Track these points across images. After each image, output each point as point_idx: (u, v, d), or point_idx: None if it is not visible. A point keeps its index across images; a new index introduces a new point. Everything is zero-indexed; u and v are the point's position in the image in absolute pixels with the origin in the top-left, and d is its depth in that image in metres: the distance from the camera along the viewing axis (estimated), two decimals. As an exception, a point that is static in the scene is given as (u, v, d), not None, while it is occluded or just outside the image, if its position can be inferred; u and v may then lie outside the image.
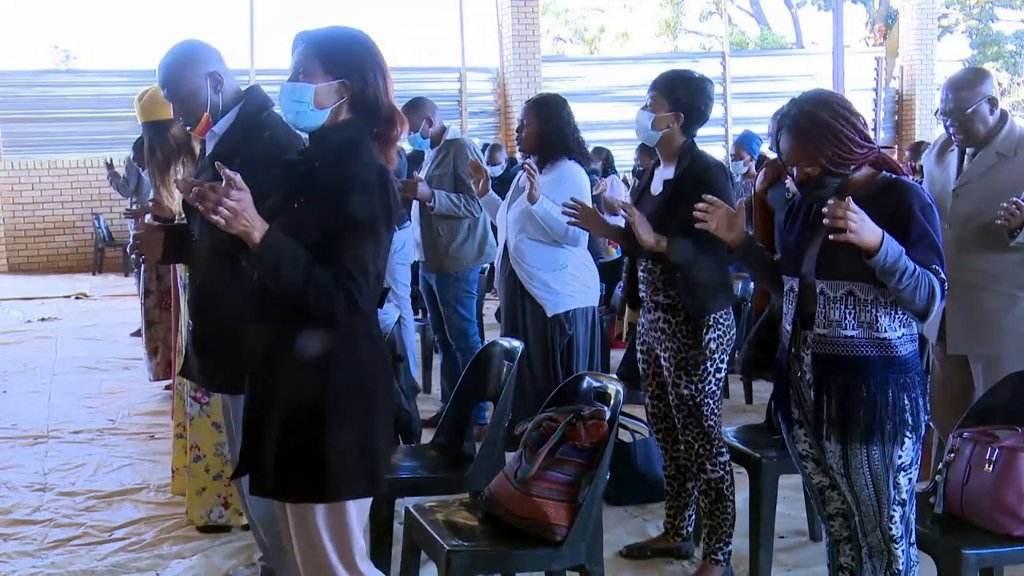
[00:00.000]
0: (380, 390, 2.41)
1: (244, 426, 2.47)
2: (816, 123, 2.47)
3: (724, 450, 3.46)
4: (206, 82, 2.95)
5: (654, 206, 3.46)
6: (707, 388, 3.39)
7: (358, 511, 2.42)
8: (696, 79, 3.46)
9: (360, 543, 2.44)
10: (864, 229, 2.31)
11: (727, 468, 3.46)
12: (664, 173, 3.50)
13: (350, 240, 2.24)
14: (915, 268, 2.37)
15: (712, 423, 3.42)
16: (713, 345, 3.38)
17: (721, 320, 3.40)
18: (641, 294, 3.54)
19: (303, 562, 2.43)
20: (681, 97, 3.39)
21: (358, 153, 2.32)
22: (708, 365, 3.38)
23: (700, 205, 2.79)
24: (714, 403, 3.42)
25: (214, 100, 2.96)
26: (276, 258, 2.19)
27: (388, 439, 2.47)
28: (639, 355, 3.65)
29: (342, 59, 2.35)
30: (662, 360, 3.49)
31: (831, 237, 2.35)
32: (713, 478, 3.44)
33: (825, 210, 2.34)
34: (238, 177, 2.14)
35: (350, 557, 2.40)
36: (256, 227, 2.16)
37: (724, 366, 3.44)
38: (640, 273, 3.53)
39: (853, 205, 2.31)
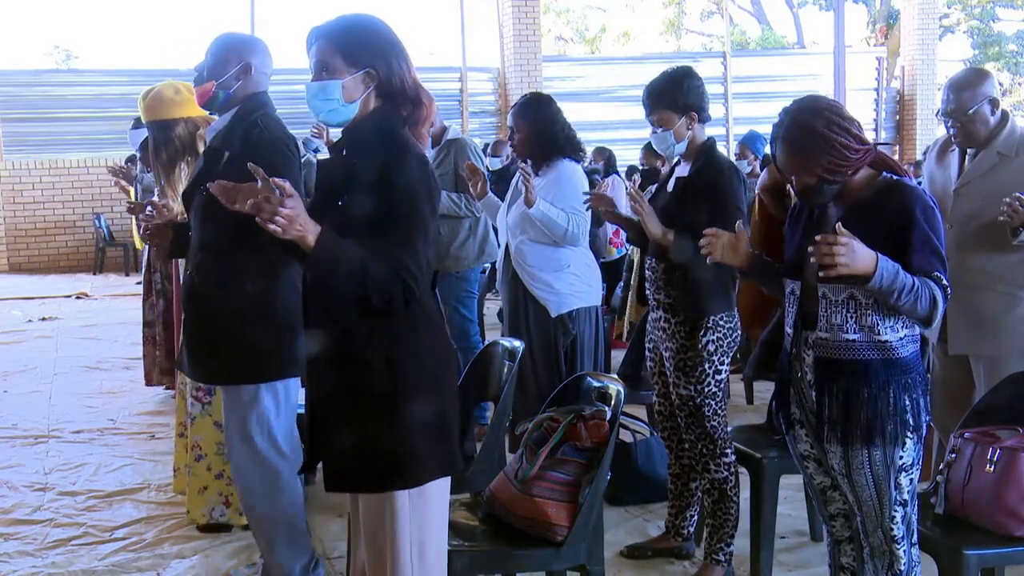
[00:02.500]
0: (444, 370, 2.42)
1: (310, 425, 2.47)
2: (810, 134, 2.46)
3: (729, 451, 3.45)
4: (237, 65, 3.07)
5: (664, 202, 3.46)
6: (707, 390, 3.38)
7: (440, 495, 2.42)
8: (680, 76, 3.40)
9: (443, 532, 2.45)
10: (855, 260, 2.28)
11: (732, 469, 3.46)
12: (681, 171, 3.50)
13: (399, 231, 2.25)
14: (913, 283, 2.35)
15: (716, 423, 3.41)
16: (712, 347, 3.37)
17: (721, 323, 3.38)
18: (647, 292, 3.56)
19: (375, 557, 2.41)
20: (680, 99, 3.37)
21: (393, 143, 2.32)
22: (706, 367, 3.37)
23: (703, 241, 2.76)
24: (716, 404, 3.41)
25: (229, 81, 3.07)
26: (332, 259, 2.19)
27: (457, 417, 2.47)
28: (648, 352, 3.66)
29: (362, 48, 2.34)
30: (664, 359, 3.49)
31: (820, 275, 2.34)
32: (717, 478, 3.44)
33: (811, 249, 2.32)
34: (288, 184, 2.14)
35: (432, 548, 2.40)
36: (309, 231, 2.16)
37: (724, 368, 3.42)
38: (647, 271, 3.54)
39: (841, 237, 2.27)
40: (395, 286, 2.23)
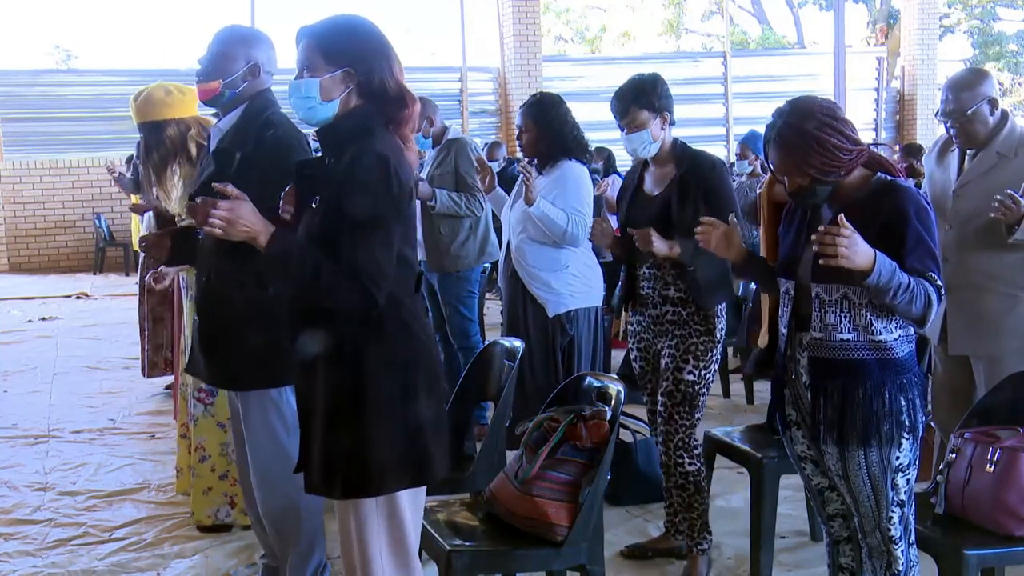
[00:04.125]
0: (421, 378, 2.37)
1: (299, 425, 2.48)
2: (802, 136, 2.46)
3: (697, 443, 3.52)
4: (244, 64, 3.02)
5: (656, 207, 3.47)
6: (707, 376, 3.47)
7: (412, 504, 2.41)
8: (653, 80, 3.50)
9: (413, 539, 2.42)
10: (856, 253, 2.29)
11: (701, 460, 3.52)
12: (660, 173, 3.53)
13: (356, 236, 2.22)
14: (909, 282, 2.36)
15: (699, 416, 3.48)
16: (718, 335, 3.47)
17: (723, 312, 3.50)
18: (644, 291, 3.54)
19: (349, 560, 2.41)
20: (655, 101, 3.44)
21: (360, 145, 2.29)
22: (714, 353, 3.47)
23: (699, 229, 2.80)
24: (707, 395, 3.49)
25: (236, 81, 3.02)
26: (283, 260, 2.17)
27: (441, 425, 2.43)
28: (635, 354, 3.66)
29: (343, 48, 2.33)
30: (665, 351, 3.50)
31: (820, 263, 2.34)
32: (691, 471, 3.48)
33: (814, 237, 2.33)
34: (230, 186, 2.13)
35: (401, 555, 2.39)
36: (260, 231, 2.14)
37: (719, 357, 3.53)
38: (644, 271, 3.54)
39: (844, 230, 2.28)
40: (351, 292, 2.20)
